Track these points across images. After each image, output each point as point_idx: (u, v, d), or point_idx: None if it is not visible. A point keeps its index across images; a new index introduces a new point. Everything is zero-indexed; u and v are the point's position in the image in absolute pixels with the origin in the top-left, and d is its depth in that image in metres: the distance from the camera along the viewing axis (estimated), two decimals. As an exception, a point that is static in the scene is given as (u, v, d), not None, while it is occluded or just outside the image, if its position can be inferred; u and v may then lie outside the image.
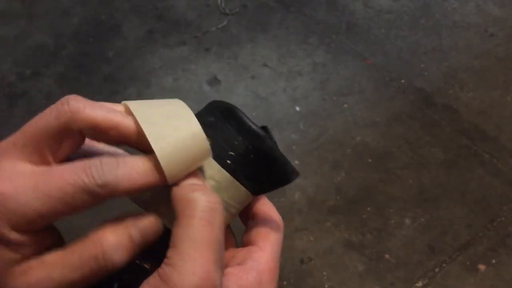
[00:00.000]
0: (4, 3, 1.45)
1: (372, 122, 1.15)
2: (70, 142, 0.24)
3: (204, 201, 0.23)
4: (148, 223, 0.24)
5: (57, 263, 0.22)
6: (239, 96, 1.21)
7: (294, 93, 1.22)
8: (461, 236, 0.95)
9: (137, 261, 0.25)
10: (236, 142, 0.27)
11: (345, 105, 1.19)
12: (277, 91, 1.22)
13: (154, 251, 0.24)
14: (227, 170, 0.27)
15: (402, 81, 1.25)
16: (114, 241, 0.23)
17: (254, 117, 1.17)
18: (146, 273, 0.23)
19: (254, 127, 0.27)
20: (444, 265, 0.92)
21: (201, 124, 0.25)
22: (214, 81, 1.25)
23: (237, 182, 0.27)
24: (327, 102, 1.20)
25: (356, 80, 1.25)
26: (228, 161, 0.27)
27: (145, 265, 0.25)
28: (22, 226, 0.22)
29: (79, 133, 0.24)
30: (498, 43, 1.34)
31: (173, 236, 0.22)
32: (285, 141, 1.11)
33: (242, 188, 0.27)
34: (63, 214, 0.22)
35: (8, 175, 0.22)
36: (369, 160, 1.08)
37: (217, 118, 0.27)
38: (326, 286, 0.89)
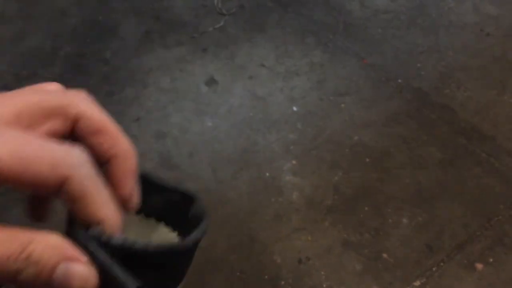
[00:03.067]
0: (1, 4, 1.45)
1: (370, 122, 1.16)
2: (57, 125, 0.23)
3: None
4: (83, 274, 0.21)
5: None
6: (236, 97, 1.21)
7: (291, 93, 1.22)
8: (458, 235, 0.96)
9: None
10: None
11: (343, 105, 1.19)
12: (275, 91, 1.22)
13: None
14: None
15: (399, 80, 1.25)
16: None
17: (252, 117, 1.17)
18: None
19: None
20: (442, 264, 0.92)
21: None
22: (211, 82, 1.25)
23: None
24: (325, 102, 1.20)
25: (353, 80, 1.25)
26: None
27: None
28: None
29: (70, 123, 0.24)
30: (495, 43, 1.35)
31: None
32: (282, 141, 1.11)
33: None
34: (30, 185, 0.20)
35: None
36: (367, 160, 1.08)
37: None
38: (324, 285, 0.89)
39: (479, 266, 0.92)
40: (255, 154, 1.09)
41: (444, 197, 1.01)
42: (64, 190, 0.21)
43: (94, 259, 0.21)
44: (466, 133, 1.13)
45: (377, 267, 0.91)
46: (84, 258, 0.21)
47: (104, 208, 0.22)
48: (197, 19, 1.41)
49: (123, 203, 0.25)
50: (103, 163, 0.25)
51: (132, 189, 0.25)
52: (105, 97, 1.21)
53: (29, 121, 0.23)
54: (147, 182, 0.26)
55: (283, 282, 0.90)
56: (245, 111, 1.18)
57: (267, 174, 1.05)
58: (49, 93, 0.25)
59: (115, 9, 1.44)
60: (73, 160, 0.21)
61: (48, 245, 0.20)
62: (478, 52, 1.32)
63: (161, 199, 0.26)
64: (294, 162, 1.07)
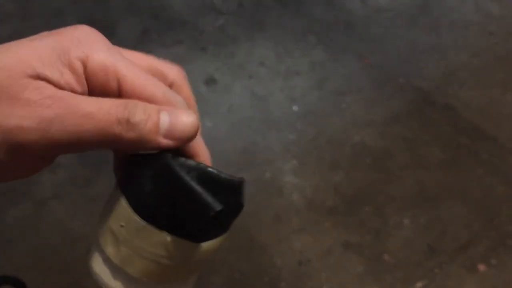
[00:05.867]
0: (-2, 2, 1.44)
1: (371, 122, 1.15)
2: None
3: None
4: (186, 116, 0.23)
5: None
6: (236, 96, 1.20)
7: (291, 92, 1.21)
8: (460, 236, 0.95)
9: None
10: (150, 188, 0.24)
11: (343, 105, 1.19)
12: (275, 90, 1.22)
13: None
14: (141, 216, 0.24)
15: (401, 80, 1.24)
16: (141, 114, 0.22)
17: (251, 117, 1.16)
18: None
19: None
20: (444, 265, 0.91)
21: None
22: (210, 81, 1.24)
23: (150, 227, 0.24)
24: (325, 102, 1.19)
25: (354, 80, 1.24)
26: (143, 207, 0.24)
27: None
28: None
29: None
30: (497, 42, 1.34)
31: None
32: (282, 141, 1.11)
33: (161, 234, 0.24)
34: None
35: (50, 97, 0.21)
36: (368, 160, 1.07)
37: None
38: (324, 287, 0.88)
39: (482, 267, 0.91)
40: (255, 155, 1.08)
41: (446, 198, 1.01)
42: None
43: (178, 179, 0.23)
44: (468, 133, 1.12)
45: (378, 269, 0.90)
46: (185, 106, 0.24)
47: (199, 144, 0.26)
48: (196, 18, 1.40)
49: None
50: None
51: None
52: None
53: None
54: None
55: (283, 284, 0.89)
56: (244, 110, 1.17)
57: (267, 174, 1.05)
58: (152, 59, 0.28)
59: (112, 8, 1.43)
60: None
61: (147, 104, 0.23)
62: (481, 51, 1.31)
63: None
64: (294, 162, 1.06)
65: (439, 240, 0.94)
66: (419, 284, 0.89)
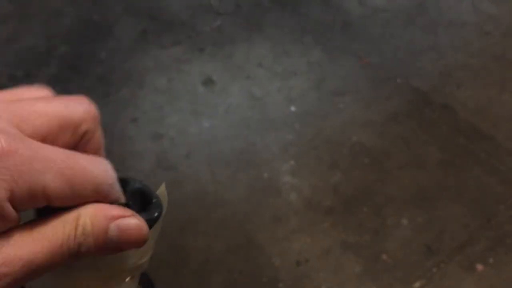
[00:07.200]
0: (-5, 3, 1.44)
1: (369, 122, 1.15)
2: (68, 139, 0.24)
3: None
4: (133, 225, 0.23)
5: (26, 239, 0.20)
6: (233, 97, 1.20)
7: (289, 93, 1.21)
8: (458, 236, 0.95)
9: None
10: None
11: (341, 105, 1.19)
12: (272, 91, 1.21)
13: None
14: None
15: (398, 80, 1.24)
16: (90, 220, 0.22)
17: (249, 117, 1.16)
18: None
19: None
20: (442, 265, 0.91)
21: None
22: (208, 82, 1.24)
23: None
24: (323, 102, 1.19)
25: (352, 80, 1.24)
26: None
27: None
28: (24, 201, 0.20)
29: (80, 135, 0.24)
30: (494, 41, 1.34)
31: None
32: (280, 141, 1.10)
33: None
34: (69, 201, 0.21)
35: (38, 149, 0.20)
36: (366, 160, 1.07)
37: None
38: (323, 287, 0.88)
39: (480, 267, 0.91)
40: (253, 155, 1.08)
41: (444, 198, 1.01)
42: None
43: None
44: (466, 132, 1.12)
45: (377, 269, 0.90)
46: (129, 212, 0.23)
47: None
48: (194, 19, 1.40)
49: None
50: None
51: None
52: (101, 97, 1.20)
53: (46, 133, 0.23)
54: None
55: (281, 284, 0.89)
56: (242, 111, 1.17)
57: (265, 175, 1.05)
58: (61, 103, 0.25)
59: (110, 9, 1.43)
60: (111, 180, 0.23)
61: (93, 214, 0.22)
62: (478, 51, 1.31)
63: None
64: (292, 162, 1.06)
65: (437, 239, 0.94)
66: (417, 284, 0.89)
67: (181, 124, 1.15)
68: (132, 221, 0.23)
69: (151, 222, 0.24)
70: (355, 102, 1.19)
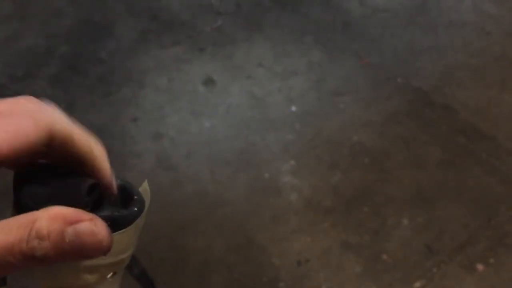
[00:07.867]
0: (-4, 3, 1.44)
1: (369, 122, 1.15)
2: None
3: None
4: (87, 230, 0.21)
5: None
6: (234, 97, 1.20)
7: (289, 93, 1.21)
8: (458, 236, 0.95)
9: None
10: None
11: (341, 105, 1.19)
12: (273, 91, 1.21)
13: None
14: None
15: (399, 80, 1.24)
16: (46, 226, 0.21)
17: (250, 117, 1.16)
18: None
19: None
20: (442, 265, 0.91)
21: None
22: (209, 82, 1.24)
23: None
24: (323, 102, 1.19)
25: (352, 80, 1.24)
26: None
27: None
28: None
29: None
30: (495, 41, 1.34)
31: None
32: (281, 141, 1.10)
33: None
34: None
35: None
36: (366, 160, 1.07)
37: None
38: (323, 287, 0.88)
39: (480, 267, 0.91)
40: (253, 155, 1.08)
41: (444, 198, 1.01)
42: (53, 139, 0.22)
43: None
44: (466, 132, 1.12)
45: (377, 269, 0.90)
46: (87, 216, 0.22)
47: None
48: (194, 19, 1.40)
49: None
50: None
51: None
52: (101, 97, 1.20)
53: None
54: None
55: (282, 284, 0.89)
56: (243, 111, 1.17)
57: (265, 175, 1.05)
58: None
59: (111, 9, 1.43)
60: (51, 111, 0.23)
61: (50, 218, 0.21)
62: (478, 51, 1.31)
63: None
64: (292, 162, 1.06)
65: (438, 240, 0.94)
66: (418, 284, 0.89)
67: (181, 124, 1.15)
68: (89, 226, 0.21)
69: (130, 218, 0.24)
70: (355, 102, 1.19)
